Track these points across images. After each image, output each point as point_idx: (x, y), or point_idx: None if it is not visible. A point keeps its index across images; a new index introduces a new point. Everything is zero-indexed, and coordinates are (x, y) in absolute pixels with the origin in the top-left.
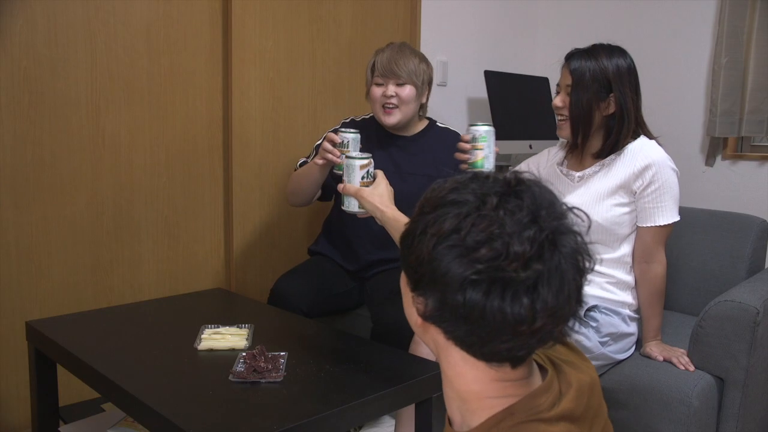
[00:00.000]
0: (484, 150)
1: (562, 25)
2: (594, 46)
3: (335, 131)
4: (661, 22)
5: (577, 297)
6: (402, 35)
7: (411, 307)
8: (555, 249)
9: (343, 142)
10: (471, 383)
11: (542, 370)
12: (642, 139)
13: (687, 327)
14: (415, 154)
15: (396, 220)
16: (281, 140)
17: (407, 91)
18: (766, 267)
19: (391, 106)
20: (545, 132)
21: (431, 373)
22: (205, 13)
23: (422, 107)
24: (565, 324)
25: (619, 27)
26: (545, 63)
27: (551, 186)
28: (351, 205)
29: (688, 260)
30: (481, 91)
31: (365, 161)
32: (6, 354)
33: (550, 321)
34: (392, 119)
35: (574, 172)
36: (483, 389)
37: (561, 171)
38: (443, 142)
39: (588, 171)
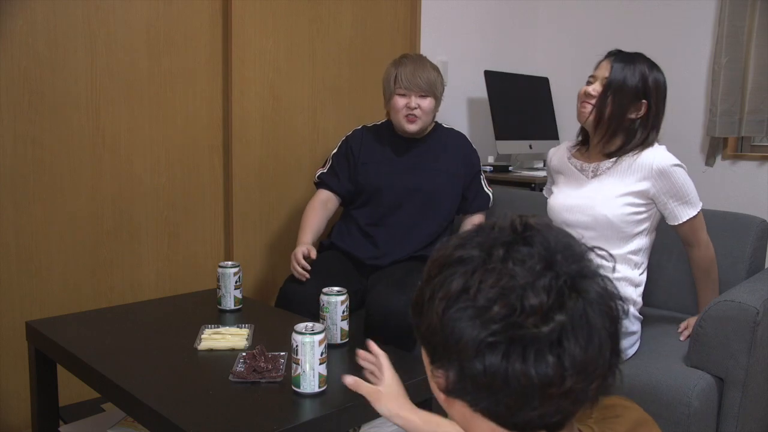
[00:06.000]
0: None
1: (562, 25)
2: (637, 53)
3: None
4: (661, 22)
5: (612, 347)
6: (402, 35)
7: (433, 382)
8: (578, 296)
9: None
10: None
11: None
12: (655, 148)
13: None
14: (428, 153)
15: (428, 422)
16: (281, 140)
17: (428, 102)
18: (766, 267)
19: (413, 115)
20: (545, 132)
21: None
22: (205, 13)
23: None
24: (601, 381)
25: (619, 27)
26: (545, 63)
27: (568, 229)
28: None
29: (688, 260)
30: (481, 91)
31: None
32: (6, 354)
33: (581, 379)
34: (414, 127)
35: (587, 164)
36: None
37: (574, 165)
38: (450, 141)
39: (602, 165)
